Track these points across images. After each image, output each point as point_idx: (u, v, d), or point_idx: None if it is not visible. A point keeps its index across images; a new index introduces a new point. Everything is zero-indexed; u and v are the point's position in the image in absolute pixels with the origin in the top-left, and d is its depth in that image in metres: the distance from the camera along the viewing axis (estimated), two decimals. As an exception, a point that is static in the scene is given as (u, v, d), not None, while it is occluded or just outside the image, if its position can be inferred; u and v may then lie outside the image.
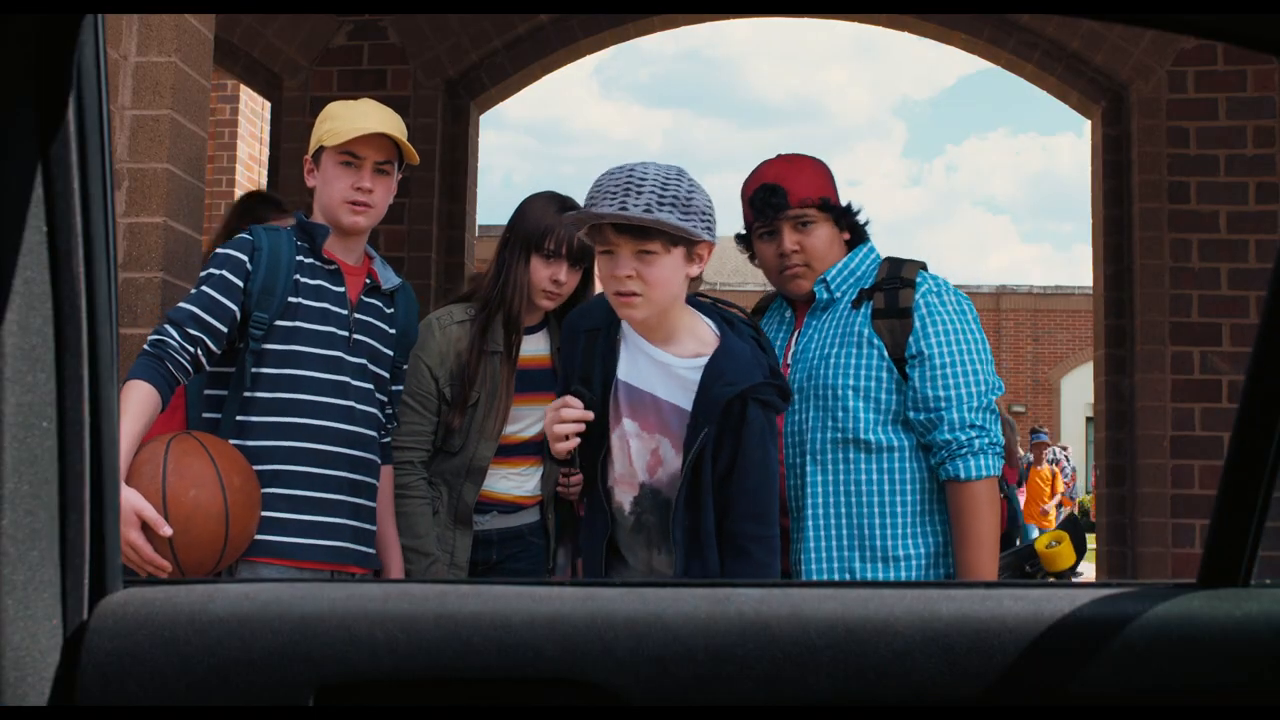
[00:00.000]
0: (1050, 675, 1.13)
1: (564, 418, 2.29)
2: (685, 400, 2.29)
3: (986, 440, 2.49)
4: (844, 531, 2.51)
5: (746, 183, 2.70)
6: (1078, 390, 25.71)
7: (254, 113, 9.77)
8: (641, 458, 2.33)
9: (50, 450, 1.03)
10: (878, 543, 2.49)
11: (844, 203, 2.68)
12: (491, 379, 2.91)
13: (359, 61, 6.27)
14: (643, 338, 2.34)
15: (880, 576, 2.48)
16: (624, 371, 2.35)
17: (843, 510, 2.51)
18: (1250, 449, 1.15)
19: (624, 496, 2.37)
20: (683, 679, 1.13)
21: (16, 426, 0.99)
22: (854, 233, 2.69)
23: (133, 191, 3.41)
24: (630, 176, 2.20)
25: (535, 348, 3.00)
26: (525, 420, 2.96)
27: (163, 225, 3.41)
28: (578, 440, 2.30)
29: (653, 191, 2.18)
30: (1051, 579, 2.43)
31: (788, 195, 2.59)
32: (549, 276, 2.90)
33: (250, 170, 9.78)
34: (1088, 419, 24.18)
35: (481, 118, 6.69)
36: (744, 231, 2.73)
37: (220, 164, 9.49)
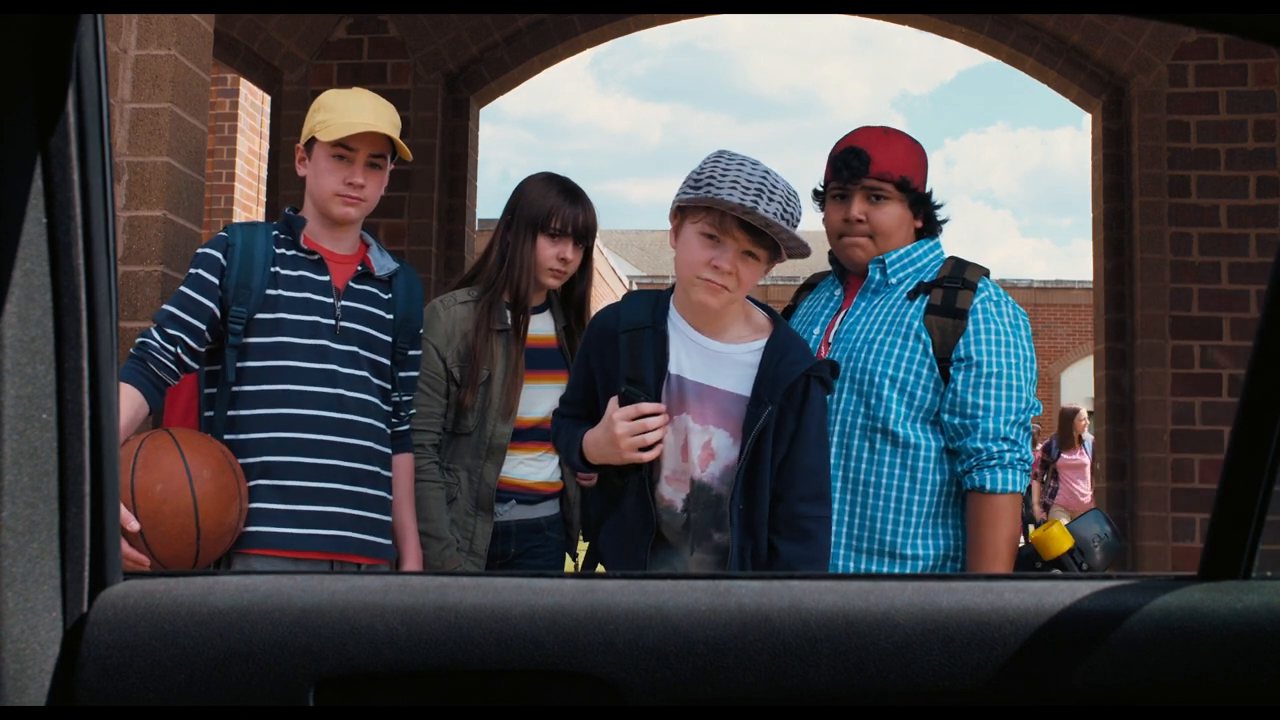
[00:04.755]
0: (1051, 668, 1.13)
1: (648, 425, 2.23)
2: (744, 387, 2.27)
3: (1016, 455, 2.43)
4: (855, 521, 2.48)
5: (838, 143, 2.65)
6: (1078, 384, 25.67)
7: (254, 106, 9.76)
8: (695, 452, 2.29)
9: (50, 443, 1.03)
10: (887, 538, 2.45)
11: (926, 190, 2.63)
12: (500, 357, 2.91)
13: (359, 55, 6.26)
14: (696, 330, 2.31)
15: (883, 572, 2.44)
16: (676, 366, 2.31)
17: (859, 499, 2.48)
18: (1251, 442, 1.15)
19: (675, 495, 2.32)
20: (683, 672, 1.12)
21: (16, 419, 0.99)
22: (927, 223, 2.64)
23: (133, 185, 3.40)
24: (766, 178, 2.16)
25: (541, 327, 3.01)
26: (534, 400, 2.96)
27: (162, 218, 3.40)
28: (662, 447, 2.26)
29: (783, 202, 2.16)
30: (1056, 571, 2.37)
31: (869, 163, 2.54)
32: (556, 255, 2.92)
33: (250, 164, 9.78)
34: (1088, 413, 24.12)
35: (480, 112, 6.68)
36: (820, 189, 2.69)
37: (220, 158, 9.49)
